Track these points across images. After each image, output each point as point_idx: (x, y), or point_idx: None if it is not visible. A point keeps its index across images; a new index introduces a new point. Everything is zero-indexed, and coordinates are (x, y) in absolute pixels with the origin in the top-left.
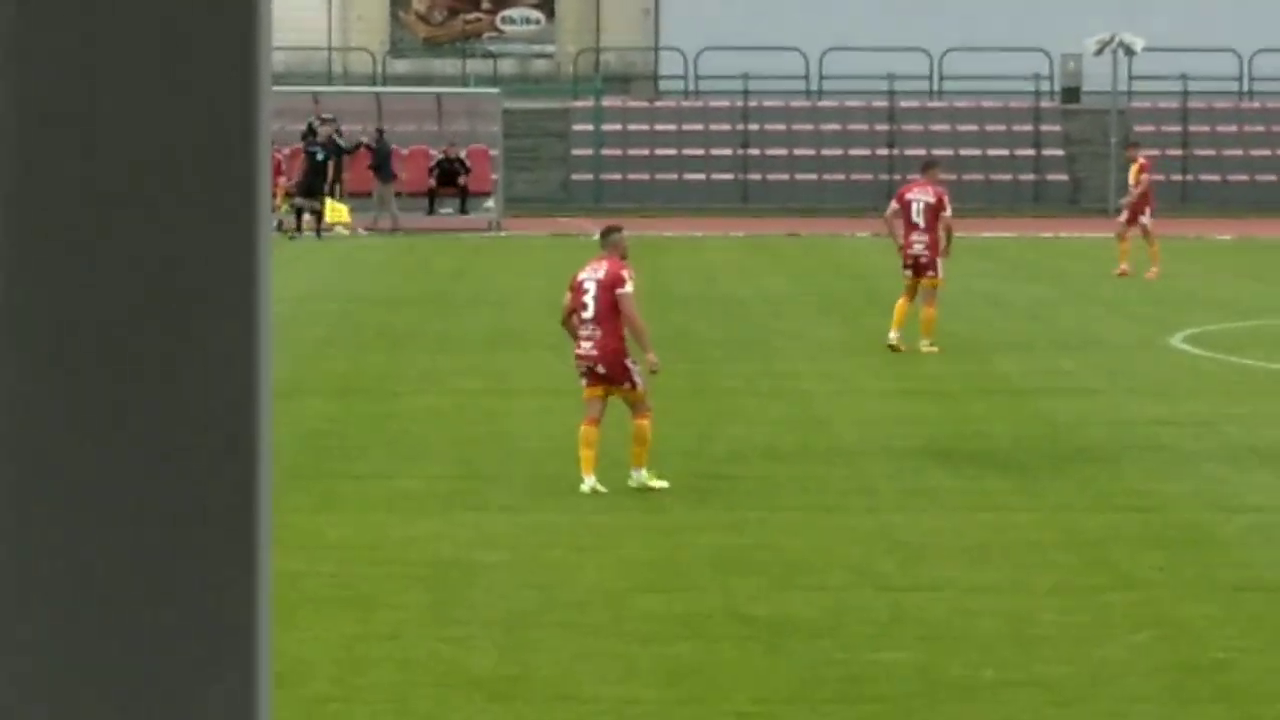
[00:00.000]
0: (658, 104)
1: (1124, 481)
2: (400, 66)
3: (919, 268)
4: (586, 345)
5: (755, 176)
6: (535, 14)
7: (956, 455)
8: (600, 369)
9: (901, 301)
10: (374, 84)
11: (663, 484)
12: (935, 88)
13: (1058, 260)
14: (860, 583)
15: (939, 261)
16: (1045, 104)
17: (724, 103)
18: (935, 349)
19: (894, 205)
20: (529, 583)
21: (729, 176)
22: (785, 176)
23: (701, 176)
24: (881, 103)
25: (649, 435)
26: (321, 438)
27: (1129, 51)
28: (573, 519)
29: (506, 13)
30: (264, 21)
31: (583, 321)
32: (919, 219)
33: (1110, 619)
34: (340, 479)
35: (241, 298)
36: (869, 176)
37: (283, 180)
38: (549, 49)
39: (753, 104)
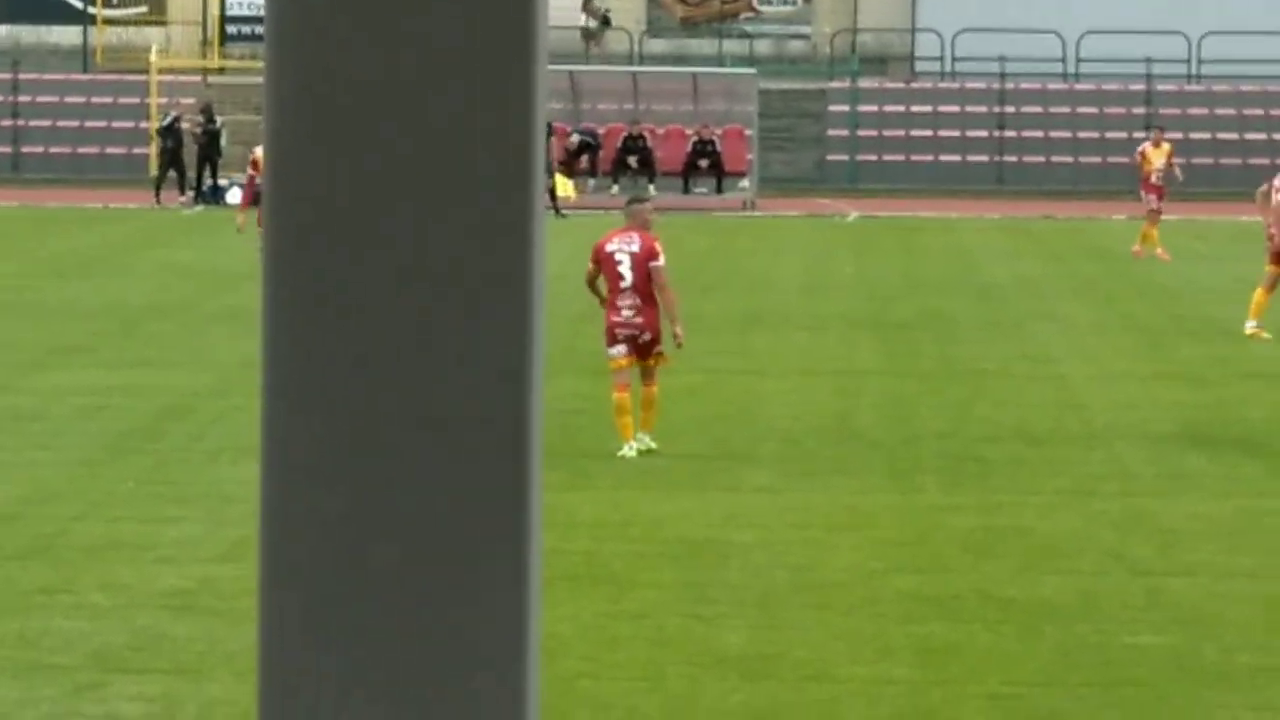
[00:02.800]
0: (914, 85)
1: None
2: (657, 46)
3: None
4: (629, 314)
5: (1011, 159)
6: None
7: (1213, 440)
8: (645, 337)
9: (1259, 292)
10: (630, 63)
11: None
12: (1193, 71)
13: None
14: (1115, 566)
15: None
16: None
17: (980, 84)
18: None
19: (1264, 189)
20: (782, 562)
21: (984, 158)
22: (1041, 159)
23: (957, 158)
24: (1139, 86)
25: (657, 402)
26: (576, 416)
27: None
28: (826, 499)
29: None
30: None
31: (621, 291)
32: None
33: None
34: (594, 458)
35: (517, 275)
36: (1125, 160)
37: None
38: (805, 30)
39: (1009, 86)
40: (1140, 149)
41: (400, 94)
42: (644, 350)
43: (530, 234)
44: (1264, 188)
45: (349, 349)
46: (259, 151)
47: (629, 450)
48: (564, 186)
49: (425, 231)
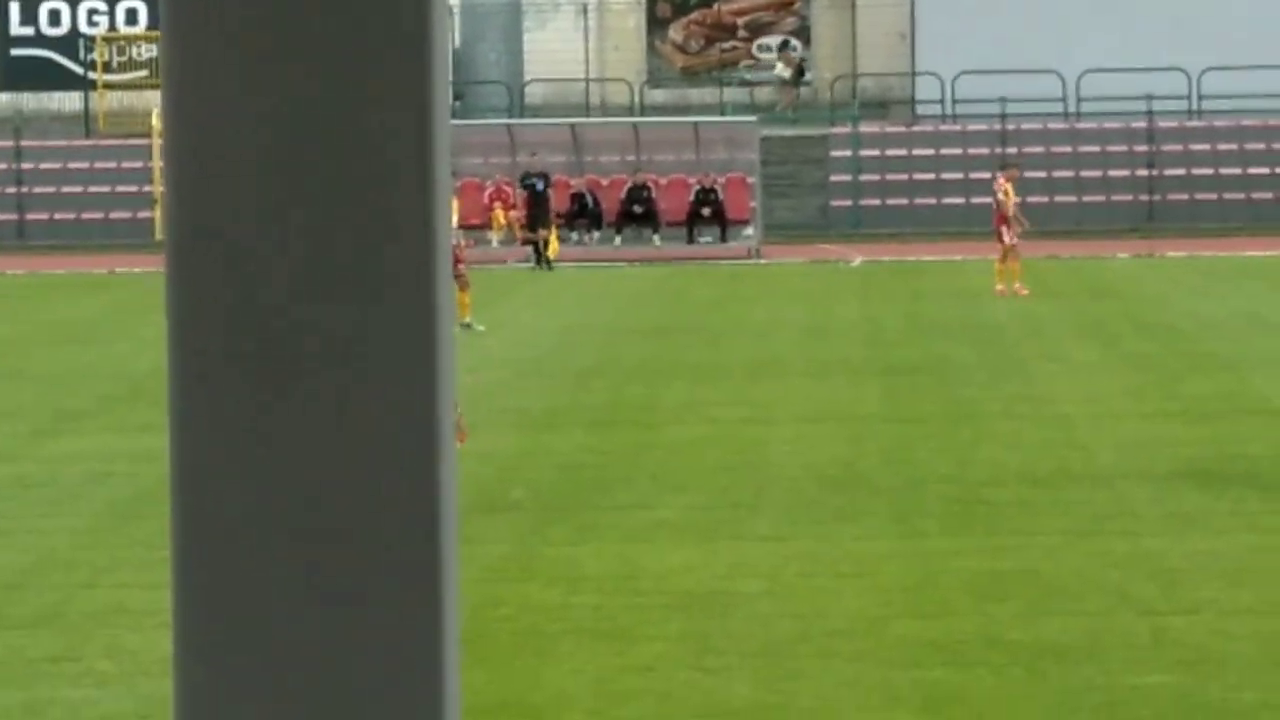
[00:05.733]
0: (915, 129)
1: None
2: (658, 96)
3: None
4: None
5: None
6: (792, 40)
7: (1217, 477)
8: None
9: None
10: (631, 114)
11: None
12: (1194, 107)
13: None
14: (1119, 607)
15: None
16: None
17: (982, 126)
18: None
19: None
20: (788, 611)
21: (987, 200)
22: (1044, 199)
23: (960, 200)
24: (1140, 123)
25: None
26: (582, 470)
27: None
28: (831, 547)
29: (763, 40)
30: (441, 57)
31: None
32: None
33: None
34: (600, 510)
35: (419, 307)
36: (1129, 197)
37: (514, 213)
38: (806, 76)
39: (1010, 127)
40: (1002, 186)
41: (297, 149)
42: None
43: (433, 270)
44: None
45: (240, 396)
46: None
47: None
48: (554, 243)
49: (319, 274)
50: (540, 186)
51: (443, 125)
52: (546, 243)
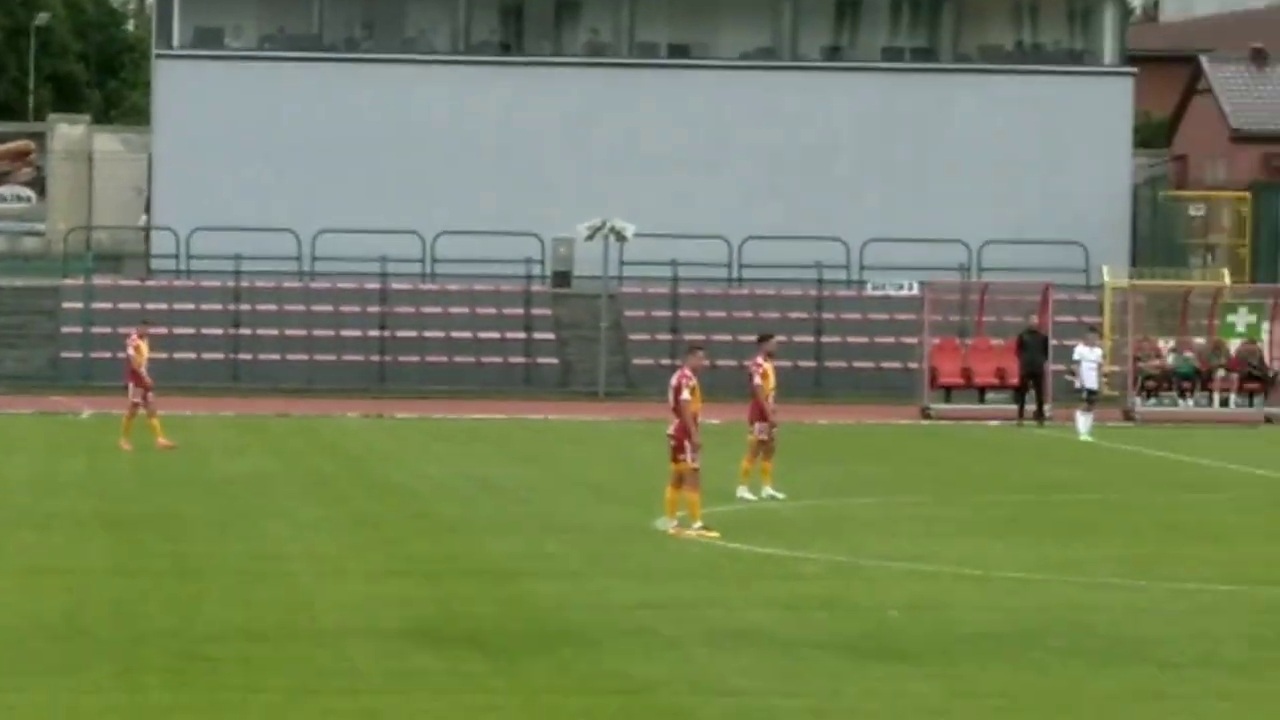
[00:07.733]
0: (149, 283)
1: (605, 664)
2: None
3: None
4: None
5: (246, 356)
6: (26, 191)
7: (441, 636)
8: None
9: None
10: None
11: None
12: (429, 270)
13: (547, 443)
14: None
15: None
16: (537, 287)
17: (216, 282)
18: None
19: None
20: None
21: (220, 355)
22: (277, 356)
23: (192, 355)
24: (374, 284)
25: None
26: None
27: (620, 237)
28: (50, 699)
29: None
30: None
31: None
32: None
33: None
34: None
35: None
36: (360, 357)
37: None
38: (39, 227)
39: (245, 284)
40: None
41: None
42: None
43: None
44: None
45: None
46: None
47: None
48: None
49: None
50: None
51: None
52: None
